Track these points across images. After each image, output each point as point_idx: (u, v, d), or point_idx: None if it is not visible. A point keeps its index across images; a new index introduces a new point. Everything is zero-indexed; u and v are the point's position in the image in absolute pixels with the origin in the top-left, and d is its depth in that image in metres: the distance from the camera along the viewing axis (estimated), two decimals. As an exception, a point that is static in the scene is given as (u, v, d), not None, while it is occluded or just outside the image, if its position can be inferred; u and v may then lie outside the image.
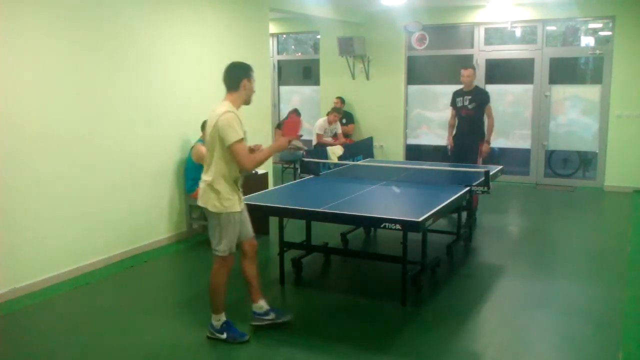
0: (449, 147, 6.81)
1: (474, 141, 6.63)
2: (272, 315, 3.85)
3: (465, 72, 6.57)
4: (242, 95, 3.60)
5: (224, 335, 3.69)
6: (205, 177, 3.55)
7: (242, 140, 3.45)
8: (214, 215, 3.55)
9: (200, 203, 3.60)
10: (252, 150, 3.64)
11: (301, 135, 9.76)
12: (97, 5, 5.02)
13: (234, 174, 3.55)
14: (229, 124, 3.41)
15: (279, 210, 4.55)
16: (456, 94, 6.74)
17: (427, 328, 3.93)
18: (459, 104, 6.66)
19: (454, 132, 6.82)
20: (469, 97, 6.60)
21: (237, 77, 3.59)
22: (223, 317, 3.72)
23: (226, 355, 3.61)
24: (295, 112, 9.09)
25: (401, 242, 4.16)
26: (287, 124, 3.69)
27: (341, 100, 9.88)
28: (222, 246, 3.60)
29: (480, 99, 6.63)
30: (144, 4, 5.50)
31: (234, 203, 3.56)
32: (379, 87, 9.96)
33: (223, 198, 3.51)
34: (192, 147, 5.89)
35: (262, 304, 3.86)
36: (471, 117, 6.61)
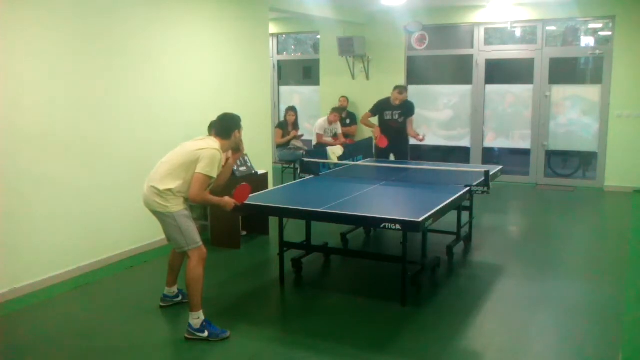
0: (376, 140, 7.02)
1: (403, 146, 7.11)
2: (180, 297, 4.26)
3: (400, 97, 6.88)
4: (231, 144, 3.93)
5: (205, 334, 3.68)
6: (159, 185, 3.72)
7: (210, 178, 3.71)
8: (167, 215, 3.74)
9: (151, 208, 3.81)
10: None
11: (302, 135, 9.80)
12: (97, 6, 5.02)
13: (186, 196, 3.80)
14: (213, 157, 3.69)
15: (279, 210, 4.55)
16: (384, 107, 7.00)
17: (427, 328, 3.93)
18: (387, 117, 6.98)
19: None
20: (399, 111, 6.95)
21: (230, 128, 3.90)
22: (202, 315, 3.72)
23: (226, 355, 3.60)
24: (292, 110, 9.09)
25: (401, 242, 4.16)
26: (237, 191, 3.99)
27: (347, 99, 9.88)
28: (190, 239, 3.77)
29: (409, 111, 7.02)
30: (144, 5, 5.50)
31: (181, 203, 3.80)
32: (379, 87, 9.91)
33: (171, 200, 3.74)
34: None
35: (175, 289, 4.27)
36: (399, 128, 7.00)
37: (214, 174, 3.72)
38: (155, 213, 3.81)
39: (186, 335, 3.71)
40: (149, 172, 5.59)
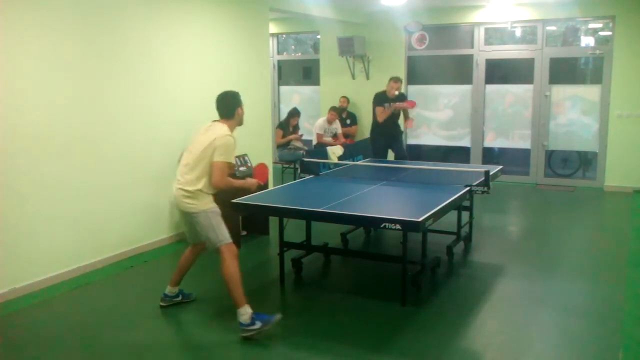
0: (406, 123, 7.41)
1: (398, 133, 7.46)
2: (180, 297, 4.28)
3: (395, 85, 7.11)
4: (236, 122, 3.97)
5: (258, 325, 3.69)
6: (188, 186, 3.79)
7: (228, 163, 3.79)
8: (199, 214, 3.80)
9: (182, 209, 3.87)
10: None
11: (302, 135, 9.80)
12: (97, 7, 5.02)
13: (213, 190, 3.87)
14: (227, 144, 3.75)
15: (279, 210, 4.55)
16: (383, 99, 7.20)
17: (427, 328, 3.93)
18: (386, 105, 7.20)
19: (382, 130, 7.30)
20: (395, 101, 7.20)
21: (231, 106, 3.94)
22: (249, 309, 3.72)
23: (226, 355, 3.61)
24: (295, 111, 9.10)
25: (401, 242, 4.16)
26: (258, 171, 4.16)
27: (347, 100, 9.88)
28: (221, 235, 3.82)
29: (402, 99, 7.29)
30: (144, 5, 5.50)
31: (211, 201, 3.88)
32: (379, 87, 9.89)
33: (202, 198, 3.81)
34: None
35: (176, 290, 4.26)
36: (394, 115, 7.29)
37: (232, 159, 3.82)
38: (187, 214, 3.87)
39: (242, 335, 3.69)
40: (148, 172, 5.66)
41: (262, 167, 4.10)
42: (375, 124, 7.33)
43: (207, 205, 3.83)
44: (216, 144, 3.73)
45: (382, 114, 7.19)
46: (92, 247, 5.09)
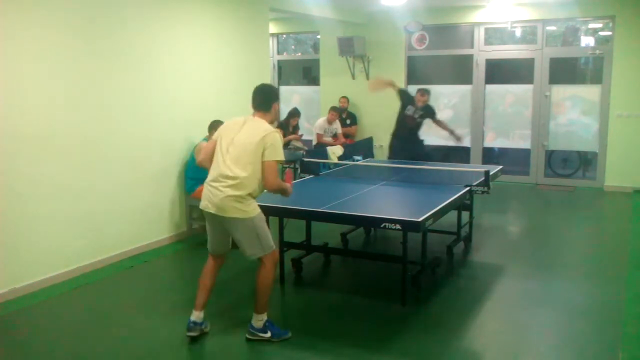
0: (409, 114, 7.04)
1: (418, 148, 7.10)
2: (207, 327, 3.79)
3: (422, 98, 6.92)
4: (271, 117, 3.70)
5: (268, 334, 3.66)
6: (238, 191, 3.45)
7: (280, 162, 3.57)
8: (246, 221, 3.50)
9: (228, 215, 3.49)
10: None
11: (301, 135, 9.79)
12: (96, 6, 5.02)
13: (261, 189, 3.61)
14: (278, 140, 3.53)
15: (279, 210, 4.55)
16: (409, 101, 7.00)
17: (427, 328, 3.93)
18: (409, 112, 6.97)
19: (396, 134, 7.12)
20: (421, 112, 6.97)
21: (270, 99, 3.69)
22: (266, 316, 3.69)
23: (226, 355, 3.61)
24: (295, 111, 9.09)
25: (401, 242, 4.16)
26: (287, 177, 3.94)
27: (347, 100, 9.88)
28: (267, 244, 3.60)
29: (430, 114, 7.04)
30: (144, 5, 5.50)
31: (257, 206, 3.61)
32: (378, 87, 9.95)
33: (250, 203, 3.53)
34: (196, 147, 5.89)
35: (203, 315, 3.73)
36: (415, 127, 7.01)
37: (282, 157, 3.57)
38: (231, 220, 3.51)
39: (247, 336, 3.68)
40: (148, 172, 5.66)
41: (290, 172, 4.08)
42: (396, 127, 7.08)
43: (256, 211, 3.55)
44: (267, 141, 3.47)
45: (389, 82, 7.09)
46: (92, 247, 5.09)
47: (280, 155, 3.53)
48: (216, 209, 3.51)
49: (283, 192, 3.70)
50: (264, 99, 3.67)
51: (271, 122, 3.70)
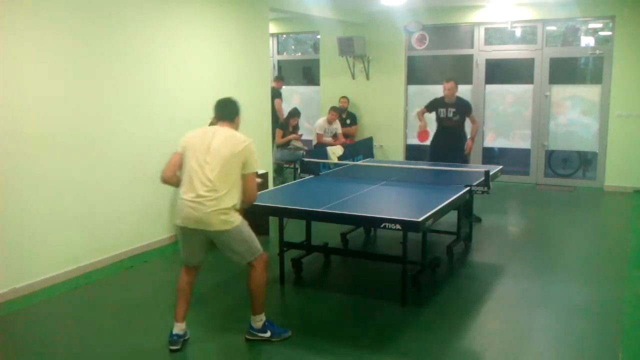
0: (418, 134, 6.74)
1: (460, 147, 6.64)
2: (188, 336, 3.69)
3: (447, 85, 6.55)
4: (235, 129, 3.64)
5: (268, 334, 3.66)
6: (223, 204, 3.37)
7: (255, 172, 3.57)
8: (232, 231, 3.44)
9: (214, 228, 3.40)
10: None
11: (302, 135, 9.79)
12: (96, 6, 5.02)
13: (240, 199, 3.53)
14: (254, 152, 3.50)
15: (279, 210, 4.55)
16: (438, 104, 6.69)
17: (427, 328, 3.93)
18: (442, 115, 6.65)
19: (436, 137, 6.79)
20: (453, 109, 6.60)
21: (234, 112, 3.67)
22: (264, 316, 3.68)
23: (226, 355, 3.61)
24: (295, 111, 9.10)
25: (401, 242, 4.16)
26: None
27: (347, 100, 9.87)
28: (255, 247, 3.57)
29: (464, 109, 6.67)
30: (144, 4, 5.50)
31: (238, 213, 3.55)
32: (379, 87, 9.96)
33: (234, 213, 3.48)
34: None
35: (185, 325, 3.65)
36: (455, 128, 6.64)
37: (258, 166, 3.61)
38: (219, 233, 3.44)
39: (247, 337, 3.67)
40: (148, 172, 5.65)
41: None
42: (436, 131, 6.76)
43: (239, 218, 3.50)
44: (247, 153, 3.43)
45: (419, 113, 6.70)
46: (92, 247, 5.09)
47: (257, 165, 3.55)
48: (201, 225, 3.41)
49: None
50: (229, 112, 3.65)
51: None
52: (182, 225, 3.48)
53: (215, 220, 3.38)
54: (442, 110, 6.63)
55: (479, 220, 6.49)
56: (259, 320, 3.66)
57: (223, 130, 3.52)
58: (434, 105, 6.73)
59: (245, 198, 3.51)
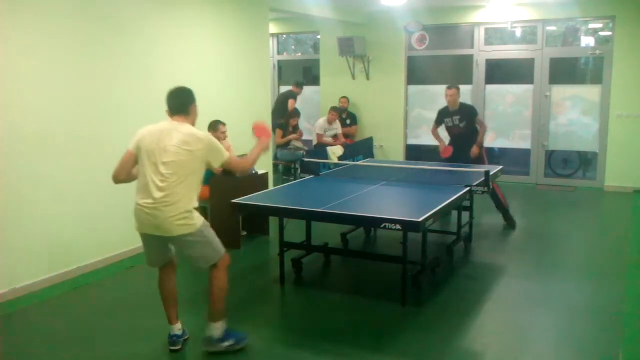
0: (441, 149, 6.68)
1: (465, 154, 6.56)
2: (187, 335, 3.66)
3: (449, 92, 6.50)
4: (192, 120, 3.45)
5: (231, 341, 3.50)
6: (182, 207, 3.21)
7: (231, 156, 3.47)
8: (194, 234, 3.28)
9: (173, 233, 3.24)
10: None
11: (301, 135, 9.79)
12: (97, 5, 5.02)
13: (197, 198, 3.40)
14: (217, 142, 3.37)
15: (279, 210, 4.55)
16: (443, 114, 6.64)
17: (427, 328, 3.93)
18: (449, 124, 6.61)
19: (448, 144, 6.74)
20: (458, 116, 6.56)
21: (187, 101, 3.45)
22: (225, 323, 3.52)
23: (226, 355, 3.60)
24: (295, 111, 9.11)
25: (401, 242, 4.16)
26: (258, 130, 3.67)
27: (347, 100, 9.88)
28: (218, 248, 3.42)
29: (469, 115, 6.60)
30: (144, 4, 5.50)
31: (199, 214, 3.38)
32: (379, 87, 9.96)
33: (195, 215, 3.31)
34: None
35: (180, 325, 3.61)
36: (465, 135, 6.57)
37: (226, 151, 3.41)
38: (179, 238, 3.28)
39: (208, 349, 3.48)
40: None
41: (260, 127, 3.70)
42: (449, 142, 6.71)
43: (200, 220, 3.32)
44: (207, 151, 3.28)
45: (433, 132, 6.65)
46: (92, 247, 5.09)
47: (225, 151, 3.37)
48: (160, 231, 3.26)
49: (257, 159, 3.60)
50: (181, 102, 3.42)
51: (193, 125, 3.45)
52: (139, 231, 3.36)
53: (174, 226, 3.22)
54: (447, 120, 6.59)
55: (513, 225, 6.50)
56: (219, 328, 3.45)
57: (179, 128, 3.30)
58: (440, 117, 6.67)
59: (240, 172, 3.55)
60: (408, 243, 4.17)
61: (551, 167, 9.41)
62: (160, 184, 3.20)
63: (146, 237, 3.39)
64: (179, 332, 3.57)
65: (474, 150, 6.48)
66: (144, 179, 3.26)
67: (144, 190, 3.26)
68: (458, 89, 6.60)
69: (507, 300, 4.48)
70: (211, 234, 3.40)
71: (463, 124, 6.55)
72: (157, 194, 3.19)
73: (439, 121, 6.70)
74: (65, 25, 4.75)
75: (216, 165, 3.36)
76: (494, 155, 9.82)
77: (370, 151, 7.38)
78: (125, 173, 3.41)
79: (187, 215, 3.23)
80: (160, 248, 3.45)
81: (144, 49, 5.52)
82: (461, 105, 6.63)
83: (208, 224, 3.42)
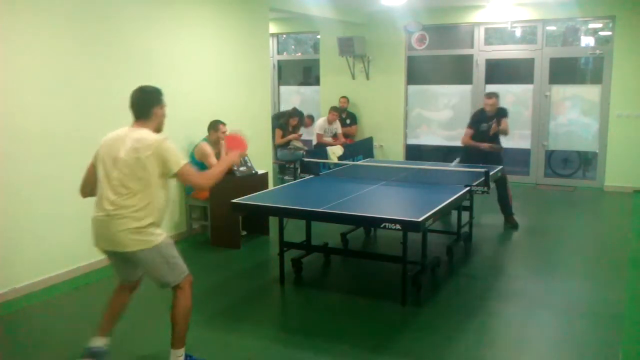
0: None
1: (494, 153, 6.57)
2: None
3: (489, 101, 6.51)
4: (155, 124, 3.18)
5: None
6: (138, 222, 2.96)
7: (188, 162, 3.12)
8: (150, 251, 3.01)
9: (125, 248, 2.99)
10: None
11: (301, 135, 9.79)
12: (97, 5, 5.02)
13: (165, 203, 3.13)
14: (172, 147, 3.05)
15: (279, 210, 4.55)
16: (480, 119, 6.57)
17: (427, 328, 3.93)
18: (484, 129, 6.54)
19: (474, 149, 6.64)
20: (494, 120, 6.55)
21: (148, 104, 3.16)
22: (184, 350, 3.24)
23: (226, 355, 3.60)
24: (294, 112, 9.11)
25: (401, 242, 4.16)
26: (230, 142, 3.42)
27: (347, 100, 9.88)
28: (179, 270, 3.15)
29: (503, 117, 6.63)
30: (143, 4, 5.50)
31: (161, 230, 3.12)
32: (379, 87, 9.96)
33: (153, 231, 3.03)
34: (195, 146, 5.90)
35: (106, 341, 3.29)
36: (493, 135, 6.59)
37: (184, 157, 3.15)
38: (134, 254, 3.01)
39: None
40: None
41: (233, 138, 3.42)
42: (473, 137, 6.64)
43: (160, 237, 3.04)
44: (159, 155, 2.98)
45: (465, 137, 6.60)
46: (92, 247, 5.04)
47: (182, 157, 3.08)
48: (112, 246, 3.02)
49: (222, 173, 3.23)
50: (142, 105, 3.14)
51: (157, 130, 3.19)
52: (97, 246, 3.13)
53: (127, 240, 2.96)
54: (484, 125, 6.53)
55: (516, 226, 6.49)
56: (179, 356, 3.19)
57: (133, 134, 3.05)
58: (476, 122, 6.59)
59: (198, 187, 3.18)
60: (408, 243, 4.17)
61: (551, 167, 9.41)
62: (112, 197, 2.98)
63: (106, 253, 3.16)
64: (99, 346, 3.23)
65: (485, 145, 6.49)
66: (99, 191, 3.09)
67: (98, 202, 3.08)
68: (498, 96, 6.63)
69: (507, 300, 4.49)
70: (171, 254, 3.11)
71: (495, 124, 6.58)
72: (109, 207, 2.98)
73: (475, 126, 6.59)
74: (65, 25, 4.75)
75: (172, 170, 3.01)
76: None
77: (370, 151, 7.38)
78: (89, 187, 3.23)
79: (142, 231, 2.97)
80: (123, 264, 3.20)
81: (144, 49, 5.52)
82: (497, 109, 6.60)
83: (171, 242, 3.16)
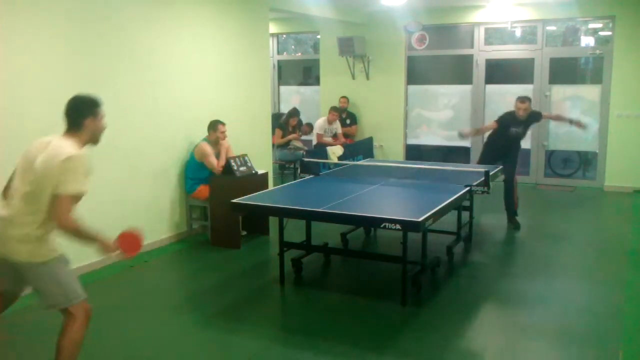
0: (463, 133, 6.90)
1: (515, 152, 6.56)
2: None
3: (522, 106, 6.35)
4: (86, 137, 2.96)
5: None
6: (25, 227, 2.75)
7: (77, 197, 2.78)
8: (42, 265, 2.79)
9: (19, 259, 2.77)
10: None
11: (301, 135, 9.78)
12: (98, 5, 5.02)
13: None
14: (76, 170, 2.75)
15: (279, 210, 4.55)
16: (512, 122, 6.41)
17: (427, 328, 3.93)
18: (513, 132, 6.44)
19: (496, 142, 6.61)
20: (524, 124, 6.49)
21: (79, 114, 2.95)
22: None
23: (226, 355, 3.61)
24: (294, 111, 9.11)
25: (401, 242, 4.16)
26: (123, 241, 3.20)
27: (347, 100, 9.88)
28: (72, 293, 2.89)
29: (535, 121, 6.66)
30: (144, 4, 5.50)
31: (56, 246, 2.90)
32: (379, 87, 9.96)
33: (46, 245, 2.83)
34: (196, 146, 5.90)
35: None
36: (519, 138, 6.55)
37: (85, 187, 2.80)
38: (22, 265, 2.78)
39: None
40: (148, 172, 5.65)
41: (130, 237, 3.22)
42: (491, 138, 6.68)
43: (53, 254, 2.82)
44: (62, 170, 2.70)
45: (485, 127, 6.73)
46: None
47: (81, 186, 2.76)
48: (4, 251, 2.79)
49: (86, 240, 2.88)
50: (72, 116, 2.93)
51: (91, 142, 3.03)
52: None
53: (16, 249, 2.76)
54: (514, 129, 6.43)
55: (518, 227, 6.51)
56: None
57: (54, 144, 2.86)
58: (507, 124, 6.44)
59: (54, 219, 2.75)
60: (408, 243, 4.17)
61: (551, 167, 9.41)
62: (17, 202, 2.81)
63: None
64: None
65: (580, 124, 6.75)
66: (10, 192, 2.93)
67: (4, 202, 2.93)
68: (530, 100, 6.56)
69: (507, 300, 4.49)
70: (65, 274, 2.89)
71: (526, 130, 6.57)
72: (10, 211, 2.81)
73: (504, 124, 6.46)
74: (65, 25, 4.75)
75: (58, 190, 2.71)
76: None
77: (370, 151, 7.37)
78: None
79: (32, 241, 2.77)
80: (8, 275, 2.89)
81: (144, 49, 5.52)
82: (529, 113, 6.50)
83: (67, 261, 2.94)
